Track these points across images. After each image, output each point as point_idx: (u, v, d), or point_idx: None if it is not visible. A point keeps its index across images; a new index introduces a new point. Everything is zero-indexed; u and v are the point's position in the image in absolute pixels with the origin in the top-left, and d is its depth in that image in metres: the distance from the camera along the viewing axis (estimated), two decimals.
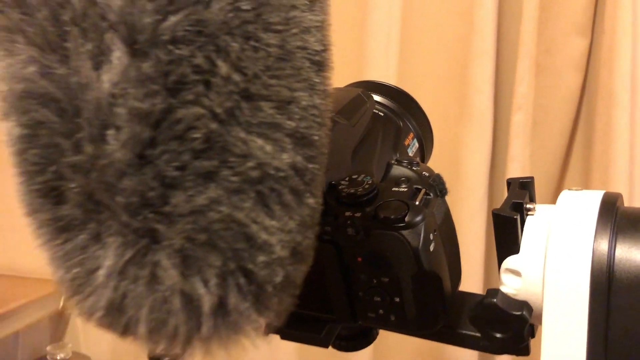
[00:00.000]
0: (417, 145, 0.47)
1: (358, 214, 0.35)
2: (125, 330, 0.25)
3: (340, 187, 0.36)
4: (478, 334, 0.37)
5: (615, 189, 0.89)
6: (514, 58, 0.96)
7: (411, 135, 0.47)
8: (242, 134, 0.24)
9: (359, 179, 0.36)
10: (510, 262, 0.34)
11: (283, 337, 0.42)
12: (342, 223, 0.35)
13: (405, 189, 0.36)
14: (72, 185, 0.24)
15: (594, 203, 0.33)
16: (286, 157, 0.25)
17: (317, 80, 0.26)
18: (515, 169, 0.95)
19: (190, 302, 0.24)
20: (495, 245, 0.35)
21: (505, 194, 0.38)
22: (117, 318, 0.25)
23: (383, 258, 0.35)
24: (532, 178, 0.37)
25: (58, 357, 1.10)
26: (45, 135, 0.24)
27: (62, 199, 0.25)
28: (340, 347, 0.47)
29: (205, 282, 0.24)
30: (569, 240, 0.31)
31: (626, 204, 0.97)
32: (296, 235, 0.26)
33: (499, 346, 0.37)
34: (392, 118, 0.46)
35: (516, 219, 0.34)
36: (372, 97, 0.45)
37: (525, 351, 0.37)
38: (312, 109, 0.25)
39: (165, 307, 0.24)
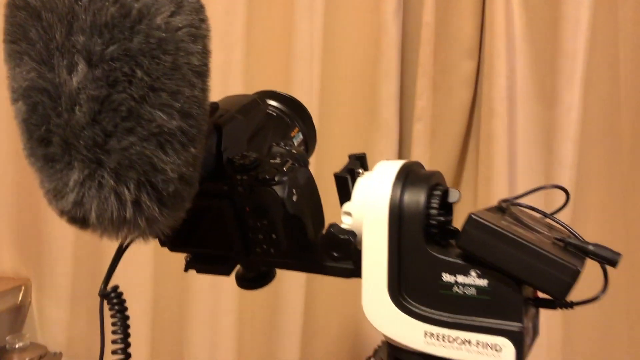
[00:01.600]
0: (301, 137, 0.65)
1: (245, 177, 0.51)
2: (83, 218, 0.42)
3: (234, 160, 0.52)
4: (335, 265, 0.53)
5: (496, 182, 1.06)
6: (415, 77, 1.11)
7: (296, 129, 0.64)
8: (149, 109, 0.40)
9: (247, 154, 0.52)
10: (345, 206, 0.51)
11: (198, 271, 0.58)
12: (235, 184, 0.51)
13: (279, 161, 0.52)
14: (56, 135, 0.41)
15: (395, 168, 0.50)
16: (175, 122, 0.41)
17: (196, 81, 0.42)
18: None
19: (120, 199, 0.41)
20: (338, 197, 0.52)
21: None
22: (79, 210, 0.42)
23: (263, 206, 0.51)
24: (364, 154, 0.54)
25: (16, 346, 1.20)
26: (41, 109, 0.41)
27: (50, 143, 0.42)
28: (246, 287, 0.63)
29: (128, 188, 0.41)
30: (378, 191, 0.48)
31: (504, 193, 1.13)
32: (182, 168, 0.42)
33: (348, 271, 0.53)
34: (283, 117, 0.64)
35: (347, 178, 0.51)
36: (265, 101, 0.62)
37: None
38: (193, 97, 0.41)
39: (106, 202, 0.41)
